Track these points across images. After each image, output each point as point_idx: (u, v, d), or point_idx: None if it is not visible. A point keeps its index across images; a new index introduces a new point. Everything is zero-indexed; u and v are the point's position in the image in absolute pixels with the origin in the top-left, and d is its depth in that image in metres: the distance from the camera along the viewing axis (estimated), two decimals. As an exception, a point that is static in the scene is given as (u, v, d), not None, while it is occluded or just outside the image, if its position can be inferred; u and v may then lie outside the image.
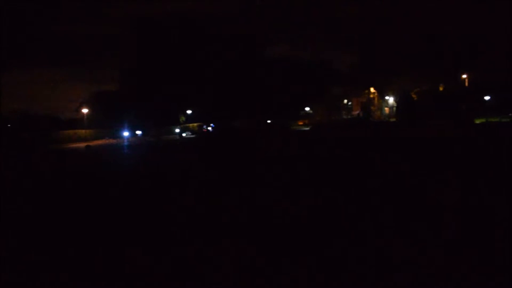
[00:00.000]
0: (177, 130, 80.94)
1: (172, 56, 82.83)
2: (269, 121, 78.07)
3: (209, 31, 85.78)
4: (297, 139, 38.92)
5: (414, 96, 76.18)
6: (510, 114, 66.54)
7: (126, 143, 59.87)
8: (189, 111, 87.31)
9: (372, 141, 30.57)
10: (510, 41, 71.18)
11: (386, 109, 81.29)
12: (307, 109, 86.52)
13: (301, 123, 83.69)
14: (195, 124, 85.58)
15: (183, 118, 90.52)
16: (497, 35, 73.04)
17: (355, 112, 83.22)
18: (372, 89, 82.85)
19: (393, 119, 75.77)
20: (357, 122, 65.75)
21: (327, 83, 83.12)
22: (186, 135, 75.83)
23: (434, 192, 10.80)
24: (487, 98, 72.27)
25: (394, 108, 78.88)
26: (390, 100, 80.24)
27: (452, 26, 78.58)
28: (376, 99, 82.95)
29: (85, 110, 79.80)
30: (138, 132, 76.95)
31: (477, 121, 63.55)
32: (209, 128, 78.31)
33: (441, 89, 75.97)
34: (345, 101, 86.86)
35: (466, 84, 76.81)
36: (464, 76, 77.25)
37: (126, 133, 71.35)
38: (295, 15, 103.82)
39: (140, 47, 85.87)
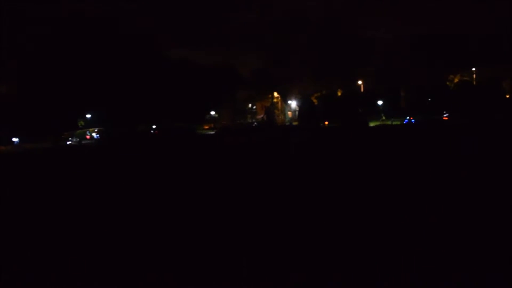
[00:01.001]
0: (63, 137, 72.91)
1: (66, 57, 77.04)
2: (154, 126, 75.20)
3: (108, 31, 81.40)
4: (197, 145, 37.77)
5: (314, 100, 79.21)
6: (387, 118, 72.37)
7: None
8: (88, 115, 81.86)
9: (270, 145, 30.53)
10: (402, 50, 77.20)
11: (289, 113, 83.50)
12: (212, 113, 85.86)
13: (206, 127, 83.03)
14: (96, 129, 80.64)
15: (81, 123, 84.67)
16: (389, 44, 78.54)
17: (260, 116, 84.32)
18: (275, 94, 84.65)
19: (295, 123, 78.11)
20: (258, 126, 66.80)
21: (232, 87, 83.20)
22: (76, 141, 68.52)
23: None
24: (380, 102, 77.52)
25: (297, 112, 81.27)
26: (293, 104, 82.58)
27: (352, 32, 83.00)
28: (279, 103, 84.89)
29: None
30: (15, 140, 68.00)
31: (372, 124, 67.79)
32: (94, 135, 70.80)
33: (339, 93, 79.77)
34: (250, 105, 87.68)
35: (362, 89, 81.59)
36: (360, 82, 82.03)
37: None
38: (200, 19, 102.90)
39: (29, 47, 78.76)
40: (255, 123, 78.34)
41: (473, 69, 78.22)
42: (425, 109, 71.80)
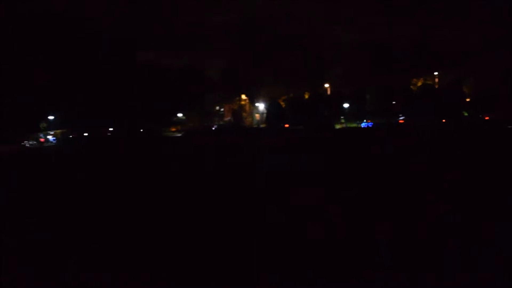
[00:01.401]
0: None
1: (28, 57, 74.83)
2: (111, 129, 73.85)
3: (72, 32, 79.61)
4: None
5: (282, 103, 79.63)
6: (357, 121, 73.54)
7: None
8: (51, 117, 79.76)
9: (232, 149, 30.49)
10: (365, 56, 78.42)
11: (257, 115, 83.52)
12: (180, 115, 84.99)
13: (174, 129, 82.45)
14: (58, 131, 78.73)
15: (44, 125, 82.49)
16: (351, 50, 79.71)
17: (227, 119, 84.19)
18: (243, 96, 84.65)
19: (263, 125, 78.36)
20: (221, 129, 66.80)
21: (200, 89, 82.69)
22: (32, 144, 66.41)
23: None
24: (346, 105, 78.50)
25: (265, 115, 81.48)
26: (261, 106, 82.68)
27: (319, 36, 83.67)
28: (247, 105, 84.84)
29: None
30: None
31: (337, 126, 68.85)
32: (49, 137, 69.00)
33: (306, 97, 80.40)
34: (218, 107, 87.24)
35: (328, 92, 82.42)
36: (327, 85, 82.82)
37: None
38: (168, 21, 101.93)
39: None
40: (215, 126, 77.68)
41: (436, 73, 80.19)
42: (389, 112, 73.31)
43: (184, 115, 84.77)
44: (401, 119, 67.91)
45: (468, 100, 76.28)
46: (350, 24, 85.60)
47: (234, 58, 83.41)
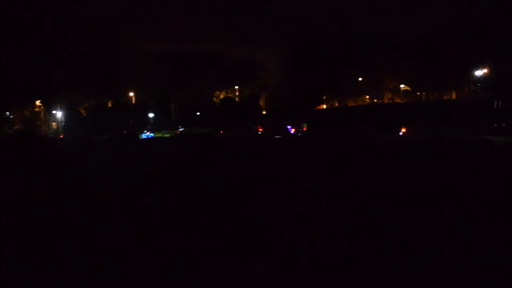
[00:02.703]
0: None
1: None
2: None
3: None
4: None
5: (83, 111, 75.00)
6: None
7: None
8: None
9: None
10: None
11: (54, 124, 76.49)
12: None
13: None
14: None
15: None
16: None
17: (17, 127, 74.70)
18: (38, 102, 76.49)
19: (61, 135, 72.47)
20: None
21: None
22: None
23: None
24: (151, 115, 78.29)
25: (63, 123, 75.42)
26: (59, 114, 75.91)
27: (122, 45, 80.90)
28: (42, 113, 76.96)
29: None
30: None
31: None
32: None
33: (109, 105, 77.32)
34: (7, 113, 76.55)
35: (133, 101, 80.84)
36: (132, 94, 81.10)
37: None
38: None
39: None
40: None
41: (236, 87, 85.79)
42: (193, 122, 75.53)
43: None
44: (180, 129, 71.51)
45: (264, 112, 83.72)
46: (156, 34, 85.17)
47: (29, 59, 74.49)
